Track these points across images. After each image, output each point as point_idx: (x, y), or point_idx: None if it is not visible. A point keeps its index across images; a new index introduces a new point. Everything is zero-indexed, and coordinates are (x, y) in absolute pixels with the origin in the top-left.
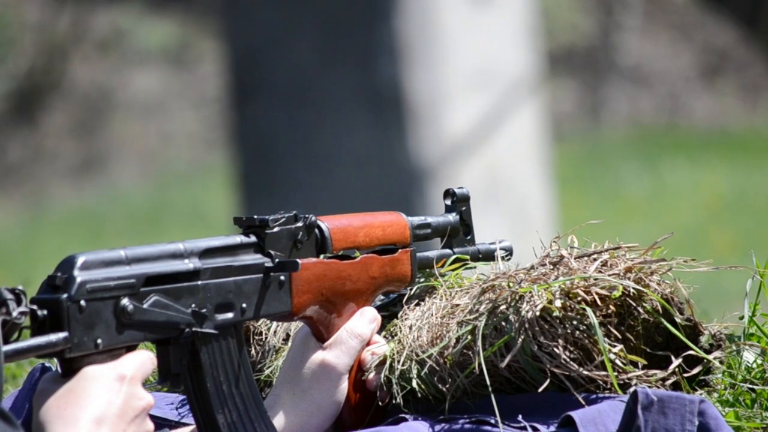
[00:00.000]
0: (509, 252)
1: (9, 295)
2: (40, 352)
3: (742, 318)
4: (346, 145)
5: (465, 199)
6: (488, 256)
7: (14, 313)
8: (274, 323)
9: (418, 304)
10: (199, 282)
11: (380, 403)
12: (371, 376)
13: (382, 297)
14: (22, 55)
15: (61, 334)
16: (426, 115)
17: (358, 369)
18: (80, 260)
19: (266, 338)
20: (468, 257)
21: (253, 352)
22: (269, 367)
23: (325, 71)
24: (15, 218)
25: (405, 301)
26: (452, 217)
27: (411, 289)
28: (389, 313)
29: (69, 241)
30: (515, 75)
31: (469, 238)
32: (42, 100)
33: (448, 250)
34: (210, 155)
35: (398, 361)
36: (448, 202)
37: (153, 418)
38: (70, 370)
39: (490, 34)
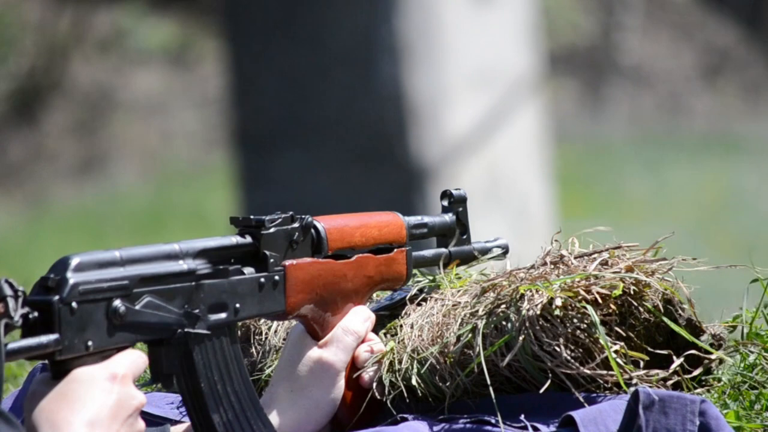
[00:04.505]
0: (505, 250)
1: (9, 291)
2: (30, 354)
3: (738, 318)
4: (346, 145)
5: (462, 200)
6: (484, 255)
7: (15, 317)
8: (275, 322)
9: (419, 304)
10: (193, 282)
11: (377, 398)
12: (366, 373)
13: (387, 298)
14: (22, 55)
15: (52, 336)
16: (427, 114)
17: (352, 366)
18: (74, 262)
19: (267, 338)
20: (465, 257)
21: (253, 351)
22: (270, 366)
23: (326, 71)
24: (16, 218)
25: (408, 300)
26: (449, 217)
27: (413, 291)
28: (389, 312)
29: (69, 241)
30: (516, 75)
31: (465, 237)
32: (43, 100)
33: (443, 249)
34: (211, 155)
35: (399, 360)
36: (445, 203)
37: (154, 417)
38: (60, 372)
39: (491, 34)
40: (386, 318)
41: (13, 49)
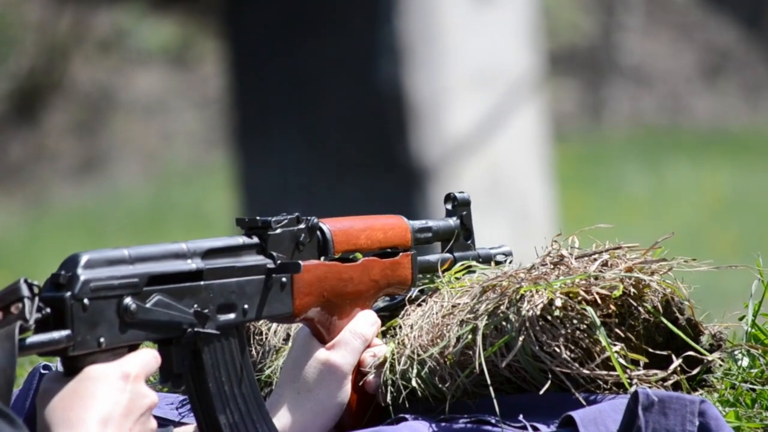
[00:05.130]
0: (509, 257)
1: (26, 292)
2: (43, 349)
3: (742, 318)
4: (347, 144)
5: (466, 204)
6: (488, 261)
7: (30, 319)
8: (275, 323)
9: (419, 305)
10: (202, 282)
11: (382, 404)
12: (371, 377)
13: (386, 299)
14: (23, 55)
15: (64, 332)
16: (427, 114)
17: (358, 371)
18: (84, 259)
19: (266, 338)
20: (469, 261)
21: (253, 351)
22: (269, 367)
23: (326, 71)
24: (16, 218)
25: (408, 300)
26: (453, 221)
27: (413, 293)
28: (389, 313)
29: (70, 241)
30: (516, 75)
31: (469, 242)
32: (43, 100)
33: (448, 254)
34: (211, 155)
35: (399, 361)
36: (449, 206)
37: (154, 417)
38: (73, 368)
39: (492, 34)
40: (386, 319)
41: (13, 49)
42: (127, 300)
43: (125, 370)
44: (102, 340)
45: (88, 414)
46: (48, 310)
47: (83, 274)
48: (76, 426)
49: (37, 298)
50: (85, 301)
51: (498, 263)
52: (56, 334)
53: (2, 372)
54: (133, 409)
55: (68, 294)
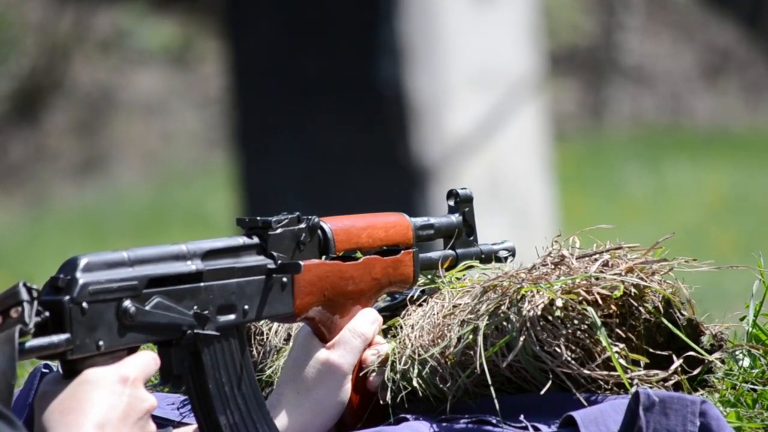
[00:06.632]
0: (512, 253)
1: (25, 296)
2: (41, 353)
3: (743, 319)
4: (347, 145)
5: (468, 200)
6: (491, 257)
7: (30, 323)
8: (276, 323)
9: (420, 305)
10: (202, 284)
11: (381, 402)
12: (372, 376)
13: (387, 299)
14: (24, 55)
15: (63, 336)
16: (427, 114)
17: (359, 369)
18: (83, 262)
19: (267, 338)
20: (472, 259)
21: (254, 352)
22: (270, 367)
23: (326, 71)
24: (16, 218)
25: (409, 300)
26: (455, 217)
27: (415, 292)
28: (390, 312)
29: (70, 241)
30: (517, 75)
31: (471, 238)
32: (44, 100)
33: (450, 251)
34: (211, 155)
35: (399, 361)
36: (451, 202)
37: (155, 418)
38: (71, 371)
39: (492, 34)
40: (387, 318)
41: (14, 49)
42: (126, 303)
43: (124, 373)
44: (101, 343)
45: (85, 418)
46: (47, 313)
47: (82, 278)
48: (73, 430)
49: (36, 302)
50: (84, 304)
51: (500, 259)
52: (55, 338)
53: (2, 375)
54: (130, 412)
55: (67, 298)
